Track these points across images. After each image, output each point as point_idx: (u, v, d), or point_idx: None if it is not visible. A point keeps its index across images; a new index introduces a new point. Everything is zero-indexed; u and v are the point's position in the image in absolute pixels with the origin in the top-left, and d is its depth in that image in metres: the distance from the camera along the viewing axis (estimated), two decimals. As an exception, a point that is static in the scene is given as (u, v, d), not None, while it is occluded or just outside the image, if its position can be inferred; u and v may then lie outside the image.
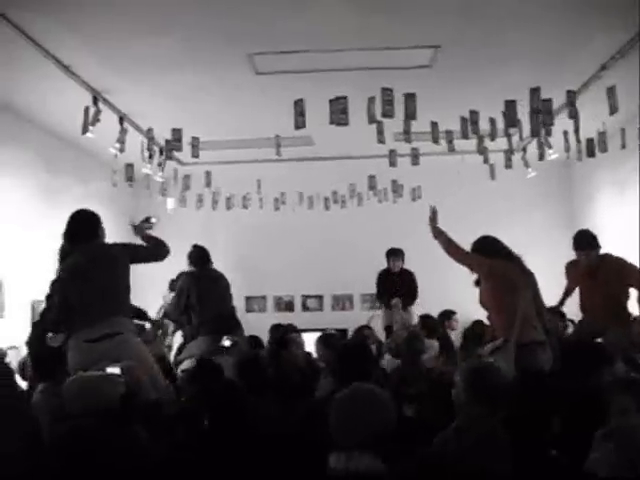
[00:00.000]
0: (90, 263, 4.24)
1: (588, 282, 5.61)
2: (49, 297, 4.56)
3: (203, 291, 5.99)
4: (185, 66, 5.78)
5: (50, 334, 4.26)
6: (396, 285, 8.12)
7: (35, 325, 5.02)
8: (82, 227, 4.37)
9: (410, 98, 5.33)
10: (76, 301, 4.17)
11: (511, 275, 4.56)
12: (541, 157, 6.68)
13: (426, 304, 7.80)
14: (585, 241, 5.63)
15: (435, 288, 8.34)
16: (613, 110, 5.34)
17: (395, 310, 7.80)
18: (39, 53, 5.21)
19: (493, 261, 4.62)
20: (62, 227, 4.39)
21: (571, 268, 5.90)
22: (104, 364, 3.65)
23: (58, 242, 4.40)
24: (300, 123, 5.20)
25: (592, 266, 5.58)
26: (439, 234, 4.88)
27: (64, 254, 4.35)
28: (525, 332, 4.39)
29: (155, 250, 4.72)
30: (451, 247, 4.78)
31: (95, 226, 4.44)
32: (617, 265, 5.53)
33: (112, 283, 4.28)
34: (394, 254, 8.27)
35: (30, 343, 4.71)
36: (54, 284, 4.41)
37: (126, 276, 4.41)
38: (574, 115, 5.47)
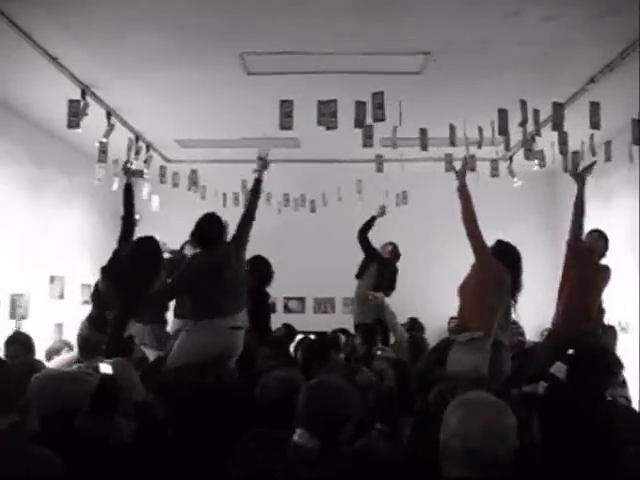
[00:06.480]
0: (227, 261, 4.77)
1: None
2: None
3: None
4: (176, 63, 5.74)
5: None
6: None
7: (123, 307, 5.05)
8: (216, 229, 4.90)
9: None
10: (215, 292, 4.62)
11: (505, 280, 4.51)
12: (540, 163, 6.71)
13: (411, 308, 7.85)
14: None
15: (419, 291, 8.37)
16: (595, 125, 5.39)
17: None
18: (27, 44, 5.14)
19: (497, 261, 4.55)
20: (46, 219, 4.40)
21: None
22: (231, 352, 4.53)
23: (41, 235, 4.39)
24: (286, 124, 5.17)
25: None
26: (464, 189, 4.68)
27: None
28: (497, 332, 4.37)
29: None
30: (471, 212, 4.62)
31: (224, 229, 4.96)
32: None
33: (242, 280, 4.89)
34: None
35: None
36: (186, 276, 4.87)
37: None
38: (558, 127, 5.52)
